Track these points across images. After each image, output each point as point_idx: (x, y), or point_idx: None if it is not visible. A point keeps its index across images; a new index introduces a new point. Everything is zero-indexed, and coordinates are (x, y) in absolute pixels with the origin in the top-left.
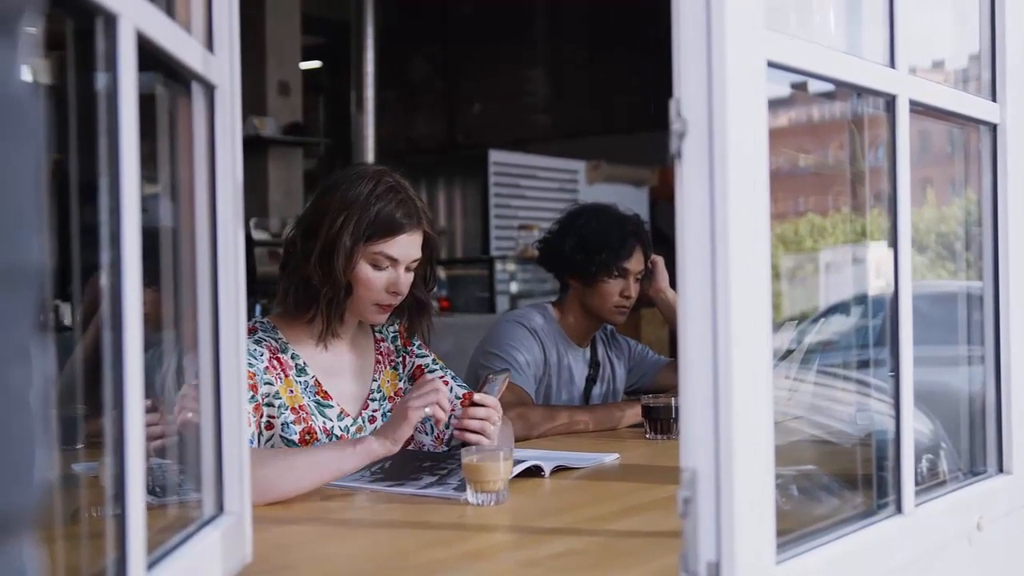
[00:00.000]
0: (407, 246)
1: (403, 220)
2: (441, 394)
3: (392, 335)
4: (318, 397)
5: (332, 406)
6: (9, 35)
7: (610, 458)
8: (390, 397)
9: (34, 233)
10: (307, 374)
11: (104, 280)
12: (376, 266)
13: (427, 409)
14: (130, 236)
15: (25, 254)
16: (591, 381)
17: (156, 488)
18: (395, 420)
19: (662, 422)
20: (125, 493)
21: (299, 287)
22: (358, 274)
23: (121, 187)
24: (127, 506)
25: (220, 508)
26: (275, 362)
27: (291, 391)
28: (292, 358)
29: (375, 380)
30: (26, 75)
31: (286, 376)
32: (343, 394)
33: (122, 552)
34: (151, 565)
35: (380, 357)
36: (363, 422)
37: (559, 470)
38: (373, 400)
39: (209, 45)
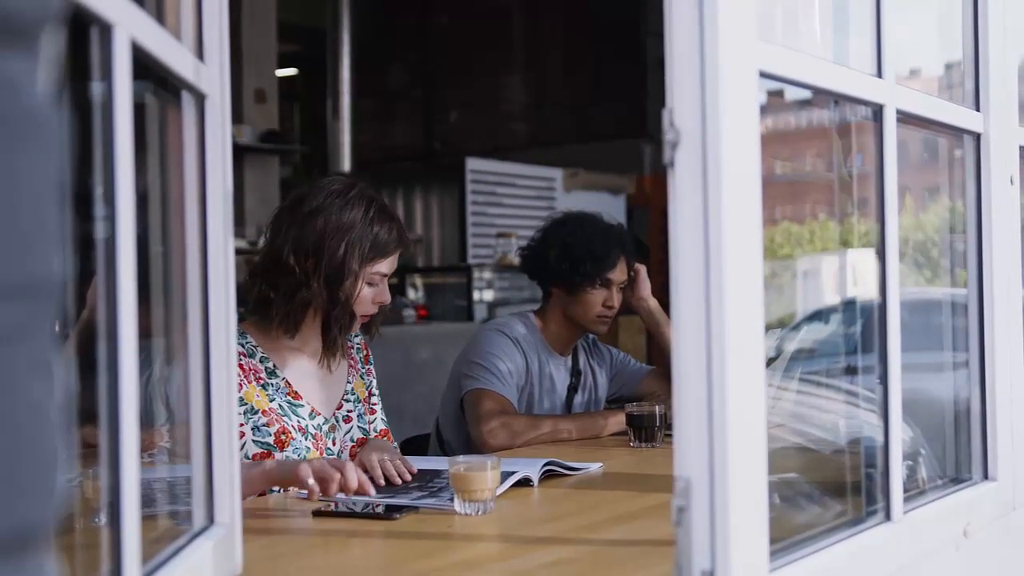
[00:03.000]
0: (395, 261)
1: (399, 240)
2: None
3: (357, 347)
4: (289, 397)
5: (303, 405)
6: (29, 48)
7: (595, 467)
8: (363, 400)
9: (55, 246)
10: (278, 376)
11: (99, 289)
12: (371, 284)
13: (311, 481)
14: (125, 245)
15: (46, 267)
16: (573, 390)
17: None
18: (288, 473)
19: (646, 430)
20: (120, 506)
21: (298, 309)
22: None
23: (116, 196)
24: (122, 518)
25: (211, 519)
26: (239, 368)
27: (258, 395)
28: (261, 361)
29: (349, 382)
30: (46, 88)
31: (250, 382)
32: (314, 395)
33: (117, 564)
34: None
35: (352, 362)
36: (337, 421)
37: (548, 476)
38: (348, 401)
39: (199, 54)
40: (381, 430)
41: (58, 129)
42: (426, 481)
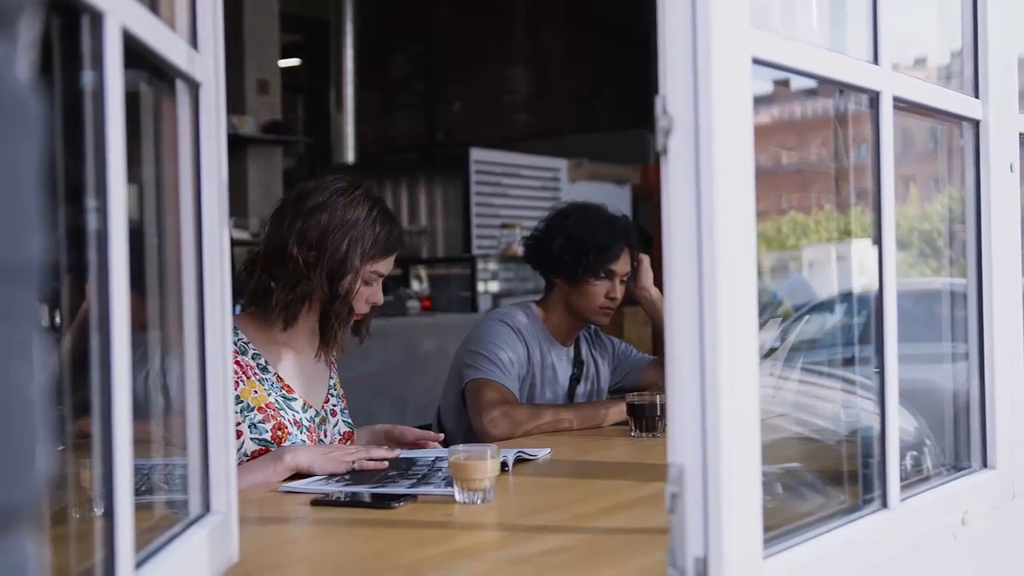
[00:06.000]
0: (392, 262)
1: (398, 242)
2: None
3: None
4: (283, 392)
5: (296, 399)
6: (8, 33)
7: (542, 453)
8: (342, 396)
9: (35, 230)
10: (269, 372)
11: (91, 281)
12: (367, 283)
13: (355, 465)
14: (117, 236)
15: (27, 250)
16: (575, 380)
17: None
18: (323, 458)
19: (647, 420)
20: (113, 494)
21: (298, 301)
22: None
23: (108, 187)
24: (115, 506)
25: (207, 507)
26: (235, 366)
27: (255, 391)
28: (253, 358)
29: (331, 378)
30: (25, 73)
31: (248, 377)
32: (304, 389)
33: (110, 551)
34: (139, 564)
35: (333, 359)
36: (325, 414)
37: (519, 462)
38: (332, 395)
39: (193, 43)
40: (345, 432)
41: (38, 114)
42: (405, 470)
